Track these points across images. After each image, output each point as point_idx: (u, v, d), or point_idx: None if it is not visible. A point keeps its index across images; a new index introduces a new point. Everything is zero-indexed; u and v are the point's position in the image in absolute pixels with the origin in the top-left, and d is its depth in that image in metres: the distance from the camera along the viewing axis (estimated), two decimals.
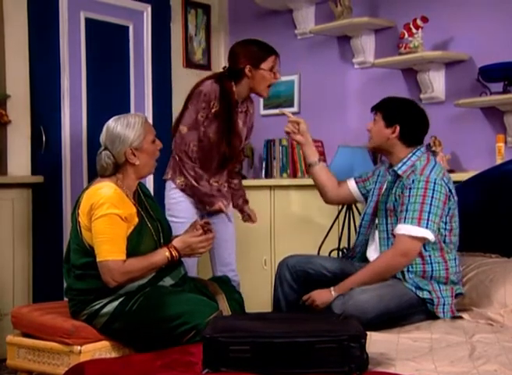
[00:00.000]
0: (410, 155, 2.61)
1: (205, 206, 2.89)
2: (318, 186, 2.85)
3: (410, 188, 2.51)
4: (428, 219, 2.46)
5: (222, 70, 2.95)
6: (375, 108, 2.70)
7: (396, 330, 2.35)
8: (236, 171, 3.11)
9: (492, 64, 3.29)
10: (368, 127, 2.70)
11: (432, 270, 2.51)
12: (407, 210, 2.48)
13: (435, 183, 2.50)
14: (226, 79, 2.86)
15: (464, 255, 2.88)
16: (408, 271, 2.51)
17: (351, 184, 2.84)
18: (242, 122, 2.95)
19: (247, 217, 3.13)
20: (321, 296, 2.50)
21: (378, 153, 2.72)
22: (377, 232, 2.67)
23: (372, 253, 2.67)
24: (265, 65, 2.83)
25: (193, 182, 2.84)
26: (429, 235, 2.47)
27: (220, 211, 2.89)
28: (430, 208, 2.47)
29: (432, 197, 2.48)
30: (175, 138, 2.86)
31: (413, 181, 2.51)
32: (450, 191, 2.55)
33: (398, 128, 2.60)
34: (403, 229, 2.48)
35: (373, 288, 2.45)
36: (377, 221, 2.66)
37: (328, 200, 2.90)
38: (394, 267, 2.50)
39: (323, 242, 3.55)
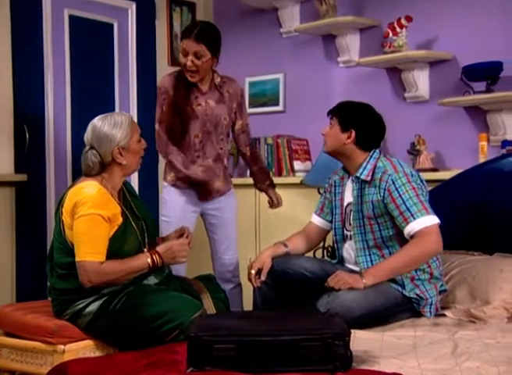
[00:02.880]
0: (369, 158, 2.58)
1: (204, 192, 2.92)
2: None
3: (396, 189, 2.48)
4: (429, 207, 2.48)
5: None
6: (331, 113, 2.65)
7: (380, 328, 2.36)
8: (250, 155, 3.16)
9: (476, 63, 3.31)
10: (323, 132, 2.65)
11: (416, 269, 2.51)
12: (408, 208, 2.45)
13: (412, 175, 2.53)
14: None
15: (447, 253, 2.90)
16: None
17: (316, 220, 2.80)
18: (214, 101, 2.93)
19: (270, 202, 3.12)
20: (354, 280, 2.38)
21: (334, 157, 2.70)
22: (349, 244, 2.63)
23: (352, 266, 2.64)
24: (180, 47, 2.92)
25: (183, 169, 2.85)
26: (438, 219, 2.47)
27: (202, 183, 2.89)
28: (424, 197, 2.50)
29: (418, 187, 2.51)
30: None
31: (393, 182, 2.49)
32: (422, 181, 2.58)
33: (354, 133, 2.57)
34: (420, 224, 2.43)
35: None
36: (350, 232, 2.62)
37: (314, 247, 2.96)
38: (429, 254, 2.46)
39: None
